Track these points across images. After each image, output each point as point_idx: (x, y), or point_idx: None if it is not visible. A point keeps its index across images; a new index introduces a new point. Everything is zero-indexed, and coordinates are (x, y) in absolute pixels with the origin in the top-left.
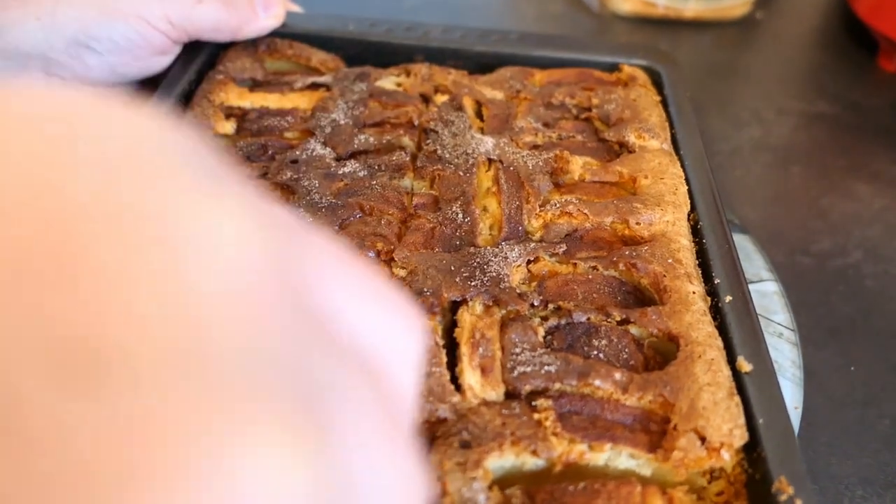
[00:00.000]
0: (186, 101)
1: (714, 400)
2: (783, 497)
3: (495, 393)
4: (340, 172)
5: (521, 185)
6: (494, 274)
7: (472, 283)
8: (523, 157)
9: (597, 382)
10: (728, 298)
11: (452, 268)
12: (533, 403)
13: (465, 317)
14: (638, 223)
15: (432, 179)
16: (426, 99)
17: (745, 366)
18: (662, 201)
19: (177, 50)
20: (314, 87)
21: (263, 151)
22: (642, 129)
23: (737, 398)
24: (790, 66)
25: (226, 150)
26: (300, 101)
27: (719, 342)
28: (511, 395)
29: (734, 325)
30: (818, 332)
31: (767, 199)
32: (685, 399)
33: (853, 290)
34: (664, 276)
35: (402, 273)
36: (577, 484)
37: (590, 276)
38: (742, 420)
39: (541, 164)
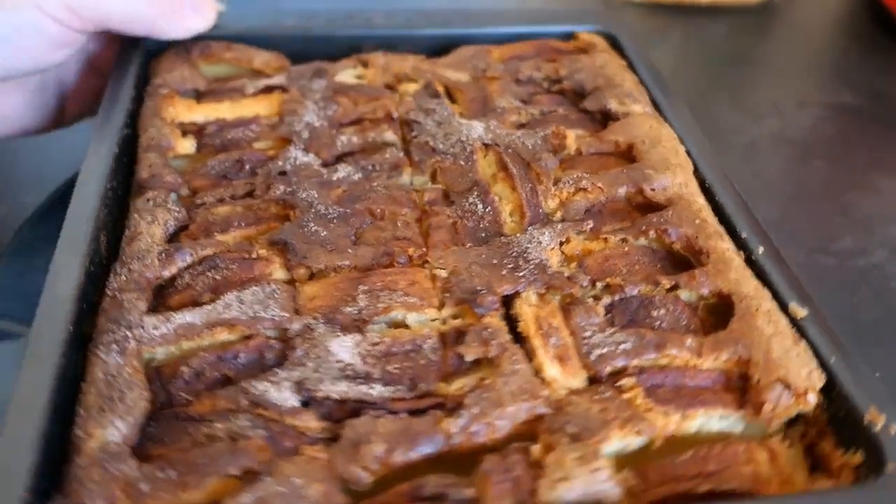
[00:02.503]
0: (131, 120)
1: (784, 348)
2: (877, 427)
3: (578, 380)
4: (335, 179)
5: (528, 166)
6: (536, 261)
7: (521, 274)
8: (518, 137)
9: (673, 352)
10: (761, 249)
11: (494, 261)
12: (617, 384)
13: (525, 309)
14: (653, 189)
15: (433, 173)
16: (391, 89)
17: (799, 311)
18: (669, 165)
19: (80, 41)
20: (268, 90)
21: (240, 167)
22: (622, 95)
23: (803, 343)
24: (811, 54)
25: (194, 172)
26: (257, 107)
27: (768, 293)
28: (593, 379)
29: (775, 274)
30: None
31: (786, 195)
32: (758, 352)
33: (877, 292)
34: (696, 237)
35: (444, 273)
36: (684, 454)
37: (626, 249)
38: (815, 363)
39: (539, 142)
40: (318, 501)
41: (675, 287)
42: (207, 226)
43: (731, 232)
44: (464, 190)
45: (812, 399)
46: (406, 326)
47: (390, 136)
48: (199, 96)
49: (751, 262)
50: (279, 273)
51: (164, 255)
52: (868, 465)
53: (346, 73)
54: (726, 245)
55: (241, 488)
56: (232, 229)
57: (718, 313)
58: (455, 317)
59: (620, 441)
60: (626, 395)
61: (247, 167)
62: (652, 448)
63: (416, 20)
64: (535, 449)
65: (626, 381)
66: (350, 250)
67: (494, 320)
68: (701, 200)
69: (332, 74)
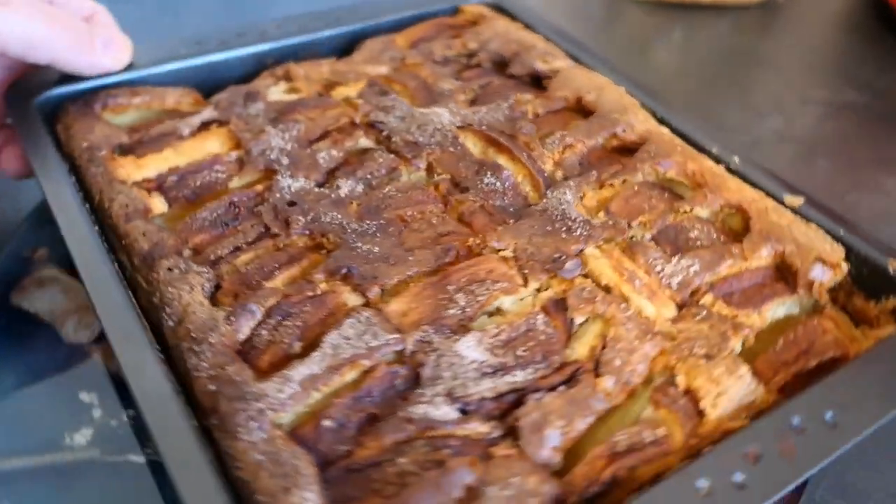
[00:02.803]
0: (83, 192)
1: (804, 233)
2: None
3: (670, 311)
4: (343, 196)
5: (514, 138)
6: (579, 219)
7: (577, 233)
8: (485, 114)
9: (729, 262)
10: (736, 159)
11: (548, 228)
12: (700, 303)
13: (600, 262)
14: (624, 131)
15: (429, 165)
16: (324, 97)
17: (795, 201)
18: (624, 106)
19: None
20: (204, 126)
21: (235, 211)
22: (542, 55)
23: (813, 224)
24: (814, 52)
25: (185, 229)
26: (205, 146)
27: (761, 192)
28: (680, 305)
29: (758, 176)
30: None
31: None
32: (788, 242)
33: None
34: (685, 163)
35: (509, 253)
36: (784, 338)
37: (635, 189)
38: (829, 237)
39: (507, 113)
40: (538, 492)
41: (692, 209)
42: (243, 278)
43: (703, 150)
44: (472, 173)
45: (845, 267)
46: (500, 312)
47: (366, 141)
48: (126, 151)
49: (731, 171)
50: (352, 300)
51: (231, 318)
52: None
53: (276, 91)
54: (710, 163)
55: None
56: (276, 273)
57: (732, 224)
58: (541, 290)
59: (738, 347)
60: (715, 310)
61: (241, 209)
62: (747, 347)
63: (309, 24)
64: (680, 379)
65: (706, 299)
66: (410, 258)
67: (584, 280)
68: (666, 130)
69: (264, 95)
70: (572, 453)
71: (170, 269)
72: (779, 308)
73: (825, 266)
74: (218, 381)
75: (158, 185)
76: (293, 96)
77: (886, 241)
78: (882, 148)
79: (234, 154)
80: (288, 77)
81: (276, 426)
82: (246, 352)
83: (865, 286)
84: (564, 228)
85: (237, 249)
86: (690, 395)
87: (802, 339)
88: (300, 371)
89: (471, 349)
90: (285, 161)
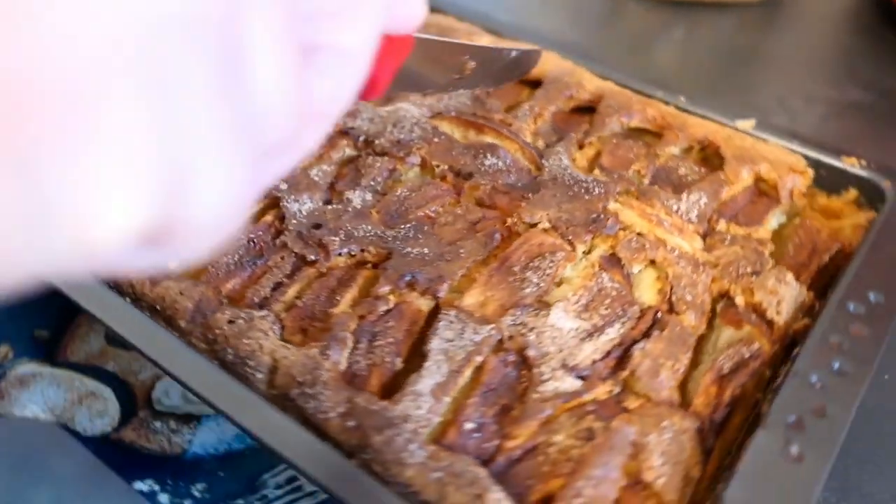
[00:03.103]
0: None
1: (769, 151)
2: (857, 167)
3: (698, 242)
4: (359, 207)
5: (489, 117)
6: (588, 180)
7: (596, 192)
8: (450, 100)
9: (726, 189)
10: (682, 98)
11: (570, 193)
12: (717, 230)
13: (627, 213)
14: (578, 92)
15: (423, 160)
16: None
17: (747, 123)
18: (566, 70)
19: None
20: None
21: (257, 249)
22: (469, 34)
23: (770, 140)
24: (818, 49)
25: (211, 279)
26: None
27: (716, 123)
28: (703, 235)
29: (705, 110)
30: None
31: None
32: (760, 160)
33: None
34: (643, 109)
35: (546, 225)
36: (792, 244)
37: (614, 141)
38: (786, 150)
39: (471, 97)
40: (686, 428)
41: (667, 150)
42: (303, 312)
43: (651, 97)
44: (469, 158)
45: (811, 171)
46: (565, 281)
47: (351, 150)
48: None
49: (682, 109)
50: (424, 305)
51: (326, 352)
52: (864, 194)
53: None
54: (664, 106)
55: (640, 457)
56: (337, 299)
57: (705, 156)
58: (588, 252)
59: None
60: (733, 233)
61: (262, 245)
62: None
63: None
64: (739, 299)
65: (721, 225)
66: (461, 251)
67: (624, 232)
68: (612, 85)
69: None
70: (681, 390)
71: (231, 322)
72: (774, 219)
73: (796, 174)
74: (355, 416)
75: None
76: None
77: None
78: (887, 147)
79: None
80: None
81: (430, 442)
82: (350, 381)
83: (825, 185)
84: (583, 190)
85: (279, 286)
86: (755, 309)
87: (806, 240)
88: (425, 383)
89: (562, 319)
90: (284, 185)
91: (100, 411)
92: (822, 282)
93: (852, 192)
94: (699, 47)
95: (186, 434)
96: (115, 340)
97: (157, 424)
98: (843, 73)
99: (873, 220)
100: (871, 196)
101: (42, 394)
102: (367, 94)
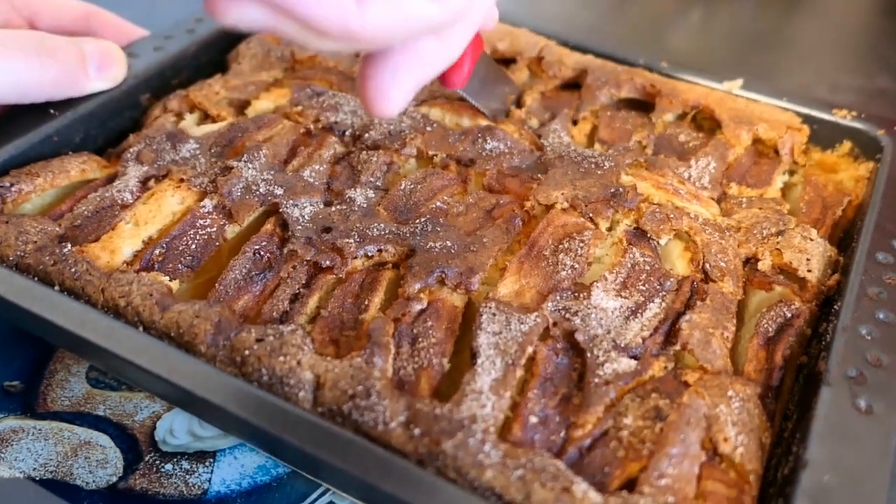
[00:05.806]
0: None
1: (763, 110)
2: (847, 119)
3: (714, 207)
4: (364, 206)
5: (479, 101)
6: (594, 154)
7: (606, 167)
8: (427, 85)
9: (731, 151)
10: (664, 63)
11: (581, 170)
12: (729, 193)
13: (642, 185)
14: (560, 69)
15: (419, 150)
16: (243, 114)
17: (735, 84)
18: (535, 46)
19: None
20: (142, 186)
21: (265, 261)
22: None
23: (761, 101)
24: (846, 35)
25: (220, 298)
26: (164, 206)
27: (704, 87)
28: (718, 200)
29: (691, 74)
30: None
31: None
32: (757, 120)
33: None
34: (632, 79)
35: (565, 205)
36: (803, 201)
37: (608, 114)
38: (778, 109)
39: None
40: (751, 395)
41: (664, 118)
42: (331, 322)
43: (635, 65)
44: (468, 144)
45: (806, 127)
46: (596, 259)
47: (341, 147)
48: (65, 240)
49: (666, 75)
50: (457, 300)
51: (371, 361)
52: (858, 145)
53: (190, 122)
54: (650, 73)
55: (714, 430)
56: (366, 304)
57: (699, 121)
58: (610, 228)
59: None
60: (747, 195)
61: (266, 256)
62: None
63: (169, 45)
64: (765, 263)
65: (732, 189)
66: (485, 240)
67: (645, 204)
68: (591, 58)
69: (187, 133)
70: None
71: (259, 340)
72: (779, 178)
73: (793, 131)
74: (419, 423)
75: (146, 263)
76: (218, 125)
77: None
78: None
79: (209, 203)
80: (192, 107)
81: (500, 441)
82: (399, 389)
83: (819, 140)
84: (593, 165)
85: (297, 297)
86: (783, 269)
87: (815, 197)
88: (483, 380)
89: (605, 299)
90: (279, 191)
91: (100, 461)
92: (837, 235)
93: (846, 145)
94: (717, 32)
95: (203, 473)
96: (101, 382)
97: (168, 467)
98: (871, 60)
99: (874, 170)
100: (865, 147)
101: (28, 450)
102: (452, 79)
